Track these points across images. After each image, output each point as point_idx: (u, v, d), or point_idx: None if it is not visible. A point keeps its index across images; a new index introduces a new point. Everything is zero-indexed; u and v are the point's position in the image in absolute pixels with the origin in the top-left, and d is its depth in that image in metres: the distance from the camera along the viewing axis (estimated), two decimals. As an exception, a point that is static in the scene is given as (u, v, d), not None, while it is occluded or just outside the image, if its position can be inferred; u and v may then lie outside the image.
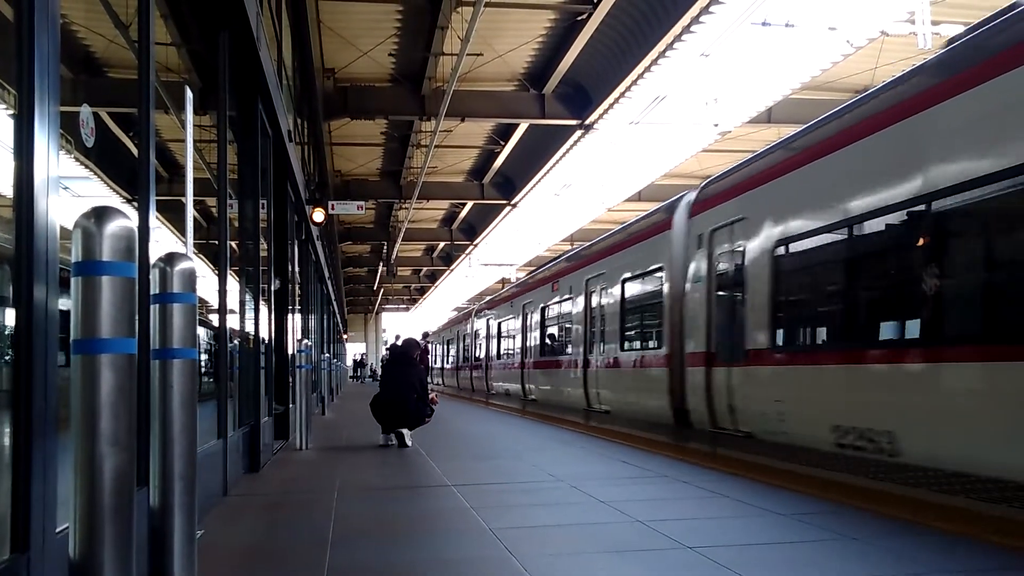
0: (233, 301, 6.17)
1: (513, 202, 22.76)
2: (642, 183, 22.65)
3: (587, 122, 15.62)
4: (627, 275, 11.26)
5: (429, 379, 16.03)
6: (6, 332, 2.23)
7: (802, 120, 10.69)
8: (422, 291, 51.34)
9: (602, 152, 19.06)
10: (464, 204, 25.72)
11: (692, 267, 9.01)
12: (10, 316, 2.18)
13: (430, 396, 8.70)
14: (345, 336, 45.75)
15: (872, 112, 6.24)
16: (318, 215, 12.48)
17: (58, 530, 2.21)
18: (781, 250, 7.19)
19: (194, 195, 4.74)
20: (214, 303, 5.60)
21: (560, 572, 3.37)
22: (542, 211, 26.03)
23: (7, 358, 2.21)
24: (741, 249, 7.87)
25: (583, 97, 15.48)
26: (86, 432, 1.77)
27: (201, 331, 5.12)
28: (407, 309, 60.15)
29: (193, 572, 2.29)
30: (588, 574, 3.35)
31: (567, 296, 14.35)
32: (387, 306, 59.13)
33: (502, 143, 18.87)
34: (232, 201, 6.23)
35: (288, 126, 9.06)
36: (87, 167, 3.29)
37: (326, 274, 20.42)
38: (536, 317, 16.66)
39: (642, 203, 22.47)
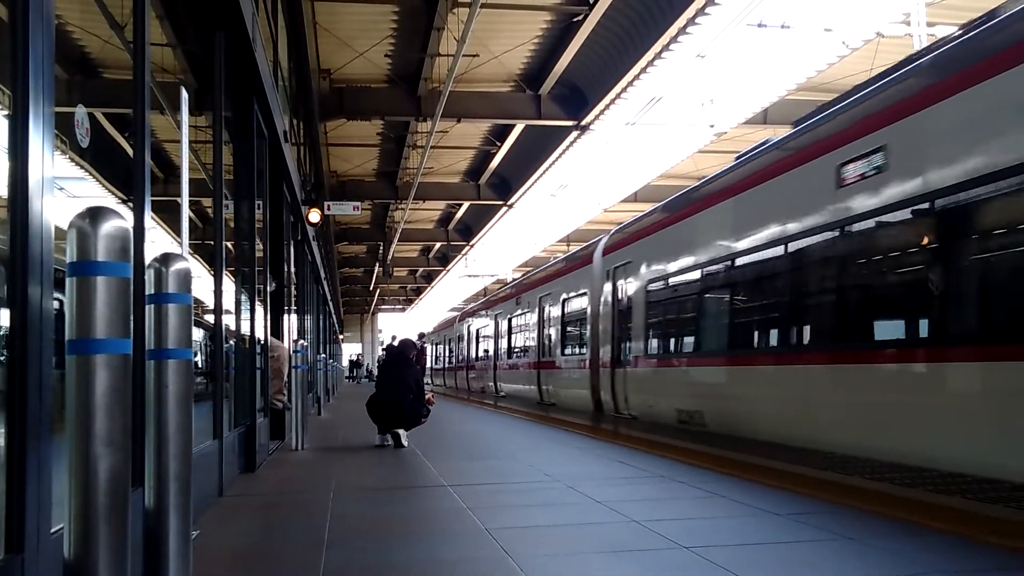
0: (229, 301, 6.16)
1: (509, 203, 22.76)
2: (638, 184, 22.67)
3: (583, 123, 15.64)
4: (565, 295, 14.82)
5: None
6: (1, 332, 2.22)
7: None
8: (418, 292, 51.32)
9: (598, 153, 19.09)
10: (460, 205, 25.72)
11: (603, 294, 12.28)
12: (5, 316, 2.17)
13: (426, 396, 8.70)
14: (341, 337, 45.69)
15: (685, 203, 9.82)
16: (314, 216, 12.49)
17: (53, 531, 2.20)
18: (651, 287, 10.36)
19: (190, 196, 4.74)
20: (210, 304, 5.60)
21: (556, 572, 3.37)
22: (538, 212, 26.05)
23: (2, 358, 2.20)
24: (630, 283, 11.09)
25: (579, 98, 15.49)
26: (81, 432, 1.77)
27: (196, 332, 5.11)
28: (403, 310, 60.10)
29: (188, 573, 2.28)
30: (584, 574, 3.35)
31: (526, 310, 17.90)
32: (383, 307, 59.07)
33: (498, 144, 18.87)
34: (228, 202, 6.22)
35: (284, 127, 9.05)
36: (82, 168, 3.29)
37: (322, 274, 20.40)
38: (504, 326, 20.37)
39: (638, 204, 22.49)
